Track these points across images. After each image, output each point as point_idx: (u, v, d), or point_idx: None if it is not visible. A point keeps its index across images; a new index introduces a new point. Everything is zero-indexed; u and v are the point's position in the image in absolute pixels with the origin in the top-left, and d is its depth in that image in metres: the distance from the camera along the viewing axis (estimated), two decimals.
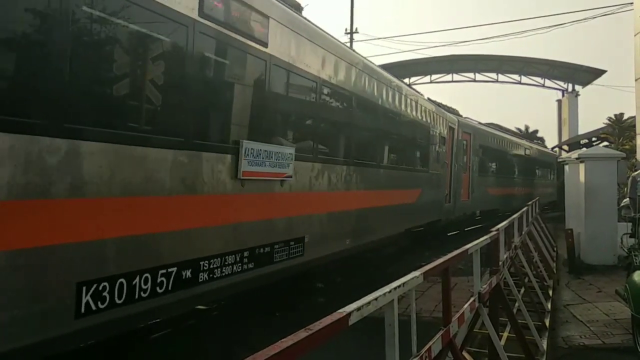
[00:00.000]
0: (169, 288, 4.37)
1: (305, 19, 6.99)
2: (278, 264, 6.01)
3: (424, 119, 12.12)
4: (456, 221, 15.66)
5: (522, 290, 7.77)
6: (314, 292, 8.41)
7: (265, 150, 5.59)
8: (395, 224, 10.44)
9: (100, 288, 3.74)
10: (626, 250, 8.62)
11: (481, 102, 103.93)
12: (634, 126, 15.03)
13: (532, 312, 7.00)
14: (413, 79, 35.52)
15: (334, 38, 8.02)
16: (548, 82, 37.08)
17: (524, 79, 37.09)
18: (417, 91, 12.83)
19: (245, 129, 5.51)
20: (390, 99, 9.76)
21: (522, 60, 34.30)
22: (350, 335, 2.77)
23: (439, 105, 14.32)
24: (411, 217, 11.35)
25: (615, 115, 23.31)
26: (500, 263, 5.80)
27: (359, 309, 2.40)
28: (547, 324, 7.25)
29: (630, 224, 8.57)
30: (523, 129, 49.77)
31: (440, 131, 13.42)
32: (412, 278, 3.17)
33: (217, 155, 5.00)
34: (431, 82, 37.19)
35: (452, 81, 37.53)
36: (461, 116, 16.67)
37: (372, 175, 8.98)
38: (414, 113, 11.30)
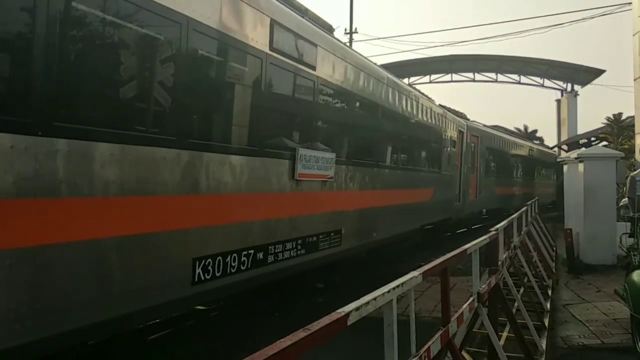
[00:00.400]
0: (248, 266, 5.45)
1: (338, 40, 8.39)
2: (322, 252, 7.15)
3: (438, 124, 13.38)
4: (465, 219, 16.70)
5: (521, 290, 7.77)
6: (313, 292, 8.42)
7: (314, 156, 6.78)
8: (413, 220, 11.54)
9: (208, 262, 4.88)
10: (625, 250, 8.62)
11: (480, 102, 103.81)
12: (633, 126, 15.05)
13: (531, 312, 7.01)
14: (412, 79, 35.46)
15: (363, 56, 9.42)
16: (547, 82, 37.05)
17: (523, 79, 37.06)
18: (429, 97, 13.64)
19: (299, 138, 6.70)
20: (408, 108, 10.98)
21: (521, 60, 34.27)
22: (350, 335, 2.76)
23: (449, 110, 15.22)
24: (426, 214, 12.41)
25: (614, 115, 23.31)
26: (500, 263, 5.79)
27: (357, 309, 2.40)
28: (546, 323, 7.25)
29: (629, 224, 8.57)
30: (522, 128, 49.81)
31: (451, 135, 14.62)
32: (411, 278, 3.16)
33: (280, 160, 6.12)
34: (430, 82, 37.15)
35: (452, 81, 37.49)
36: (469, 120, 17.63)
37: (393, 177, 10.18)
38: (428, 119, 12.58)
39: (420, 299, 8.09)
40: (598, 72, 33.23)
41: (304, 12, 7.16)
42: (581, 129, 32.93)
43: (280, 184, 6.12)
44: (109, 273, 3.90)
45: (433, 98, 14.67)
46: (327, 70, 7.21)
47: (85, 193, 3.70)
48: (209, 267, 4.86)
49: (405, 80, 32.70)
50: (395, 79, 10.65)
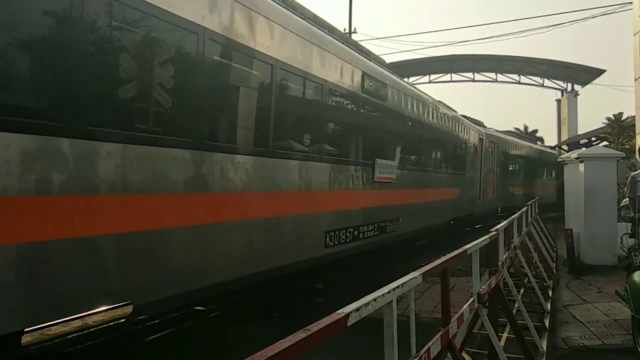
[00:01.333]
0: (349, 240, 7.87)
1: (398, 77, 11.10)
2: (387, 234, 9.50)
3: (463, 134, 15.99)
4: (484, 215, 18.86)
5: (522, 290, 7.75)
6: (313, 292, 8.42)
7: (385, 164, 9.23)
8: (445, 214, 14.11)
9: (332, 234, 7.40)
10: (626, 251, 8.59)
11: (480, 102, 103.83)
12: (634, 125, 15.01)
13: (531, 313, 6.98)
14: (412, 79, 35.40)
15: (415, 88, 13.23)
16: (547, 82, 36.96)
17: (523, 79, 36.97)
18: (454, 110, 15.79)
19: (376, 152, 9.01)
20: (443, 123, 13.65)
21: (521, 60, 34.20)
22: (350, 336, 2.74)
23: (471, 119, 17.95)
24: (455, 209, 14.97)
25: (615, 115, 23.28)
26: (500, 263, 5.78)
27: (357, 309, 2.40)
28: (547, 324, 7.23)
29: (630, 224, 8.54)
30: (522, 128, 49.74)
31: (473, 141, 17.24)
32: (411, 279, 3.16)
33: (366, 167, 8.53)
34: (430, 82, 37.07)
35: (451, 81, 37.38)
36: (486, 127, 20.30)
37: (433, 177, 12.81)
38: (457, 130, 15.28)
39: (420, 299, 8.06)
40: (598, 72, 33.16)
41: (373, 57, 10.17)
42: (581, 129, 32.90)
43: (367, 184, 8.56)
44: (293, 236, 6.47)
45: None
46: (392, 100, 9.74)
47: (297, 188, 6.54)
48: (331, 238, 7.34)
49: (405, 80, 32.77)
50: (435, 101, 13.45)
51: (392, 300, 2.78)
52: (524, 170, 26.54)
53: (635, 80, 13.18)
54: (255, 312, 6.86)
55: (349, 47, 8.63)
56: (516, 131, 41.62)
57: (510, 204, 22.40)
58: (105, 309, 3.95)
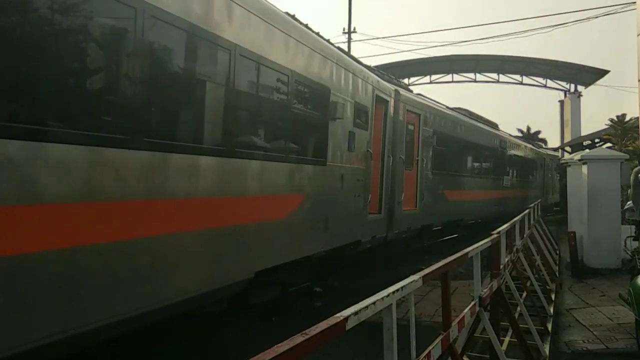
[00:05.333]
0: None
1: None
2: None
3: (529, 155, 20.20)
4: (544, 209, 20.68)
5: (524, 294, 7.66)
6: (311, 295, 8.34)
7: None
8: (497, 211, 17.82)
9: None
10: (630, 254, 8.51)
11: (482, 103, 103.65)
12: (637, 127, 14.91)
13: (534, 317, 6.90)
14: (412, 79, 35.37)
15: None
16: (550, 83, 36.87)
17: (526, 80, 36.88)
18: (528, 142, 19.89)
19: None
20: (498, 144, 17.67)
21: (523, 60, 34.10)
22: (349, 339, 2.69)
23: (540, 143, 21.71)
24: (504, 207, 19.06)
25: (618, 116, 23.14)
26: (502, 266, 5.71)
27: (356, 313, 2.37)
28: (550, 328, 7.14)
29: (634, 227, 8.45)
30: (525, 129, 49.60)
31: (533, 159, 21.66)
32: (411, 282, 3.13)
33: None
34: (431, 82, 37.01)
35: (452, 81, 37.30)
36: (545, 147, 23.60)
37: (491, 183, 16.92)
38: (522, 152, 19.49)
39: (420, 303, 7.98)
40: (602, 73, 33.05)
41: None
42: (585, 130, 32.80)
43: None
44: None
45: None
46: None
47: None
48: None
49: (405, 81, 32.82)
50: (490, 128, 17.83)
51: (391, 304, 2.75)
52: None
53: (639, 80, 13.08)
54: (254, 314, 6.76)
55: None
56: (518, 132, 41.48)
57: (556, 200, 24.81)
58: None
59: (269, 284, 6.48)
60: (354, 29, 28.30)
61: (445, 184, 13.91)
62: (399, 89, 11.19)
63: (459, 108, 17.30)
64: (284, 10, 6.75)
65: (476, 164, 17.29)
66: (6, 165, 3.15)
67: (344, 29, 28.06)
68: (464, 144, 15.65)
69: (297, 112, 6.68)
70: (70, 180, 3.55)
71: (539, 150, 29.66)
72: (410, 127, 11.46)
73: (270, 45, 5.97)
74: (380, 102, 9.63)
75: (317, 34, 7.82)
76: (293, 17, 7.09)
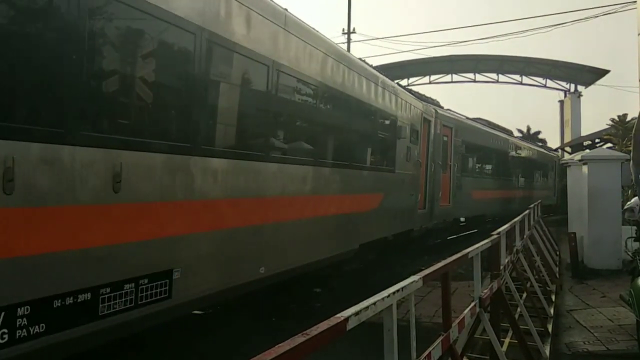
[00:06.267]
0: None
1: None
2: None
3: (540, 158, 21.96)
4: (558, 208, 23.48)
5: (524, 295, 7.65)
6: (312, 296, 8.35)
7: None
8: (513, 208, 18.99)
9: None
10: (631, 255, 8.48)
11: (481, 103, 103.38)
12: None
13: (534, 318, 6.89)
14: (412, 80, 35.34)
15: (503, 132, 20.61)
16: (550, 83, 36.77)
17: (525, 80, 36.78)
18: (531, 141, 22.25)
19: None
20: (513, 149, 19.08)
21: (523, 60, 34.04)
22: (349, 340, 2.68)
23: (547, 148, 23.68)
24: (520, 205, 19.26)
25: (619, 116, 23.09)
26: (502, 267, 5.70)
27: (356, 313, 2.37)
28: (550, 329, 7.12)
29: (634, 227, 8.43)
30: (525, 130, 49.59)
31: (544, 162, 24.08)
32: (411, 282, 3.13)
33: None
34: (430, 82, 36.93)
35: (452, 82, 37.21)
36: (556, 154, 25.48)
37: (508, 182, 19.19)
38: (535, 155, 21.03)
39: (420, 304, 7.97)
40: (602, 73, 32.98)
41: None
42: (585, 130, 32.72)
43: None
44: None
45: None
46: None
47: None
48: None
49: (405, 81, 32.79)
50: (506, 135, 20.41)
51: (392, 305, 2.75)
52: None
53: None
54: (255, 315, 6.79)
55: None
56: (518, 132, 41.50)
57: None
58: None
59: (368, 252, 9.67)
60: (354, 29, 28.28)
61: (471, 185, 16.88)
62: (437, 108, 14.27)
63: (478, 118, 20.68)
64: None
65: (496, 167, 20.46)
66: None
67: (343, 30, 28.05)
68: (485, 150, 18.93)
69: (382, 136, 9.87)
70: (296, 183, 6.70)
71: (550, 153, 32.30)
72: (445, 138, 14.33)
73: (375, 94, 9.32)
74: (425, 121, 12.74)
75: (398, 83, 12.65)
76: (370, 66, 10.10)
